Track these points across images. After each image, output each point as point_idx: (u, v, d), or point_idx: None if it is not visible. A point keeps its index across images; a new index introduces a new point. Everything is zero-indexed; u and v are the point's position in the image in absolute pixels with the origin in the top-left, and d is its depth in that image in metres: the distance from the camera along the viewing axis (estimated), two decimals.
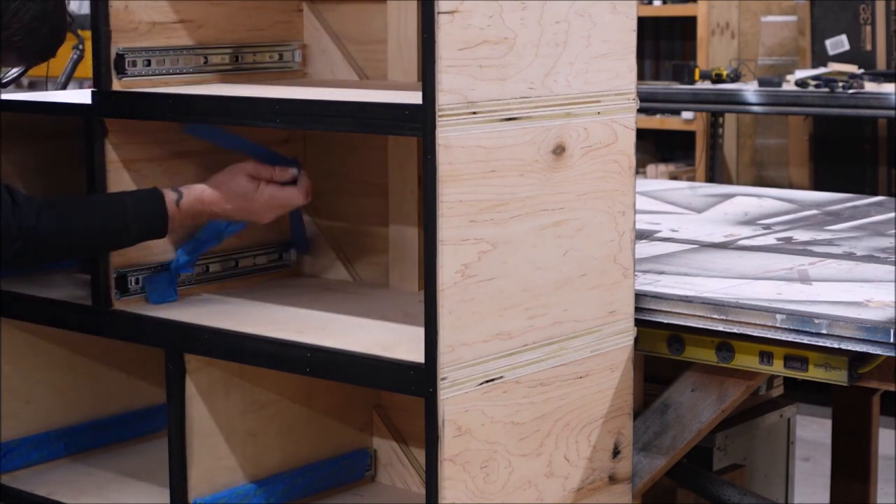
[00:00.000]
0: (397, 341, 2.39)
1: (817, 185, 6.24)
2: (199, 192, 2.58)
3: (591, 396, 2.48)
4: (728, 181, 6.60)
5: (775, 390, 3.48)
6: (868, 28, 6.19)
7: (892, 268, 2.78)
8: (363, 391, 2.88)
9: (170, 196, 2.55)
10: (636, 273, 2.58)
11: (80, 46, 4.65)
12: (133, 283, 2.70)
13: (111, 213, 2.51)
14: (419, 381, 2.22)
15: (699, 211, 3.57)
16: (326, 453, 2.84)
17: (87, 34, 2.70)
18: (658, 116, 6.80)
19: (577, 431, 2.46)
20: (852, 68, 5.97)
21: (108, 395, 3.08)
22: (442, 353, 2.20)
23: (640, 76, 5.05)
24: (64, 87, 4.88)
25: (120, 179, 2.67)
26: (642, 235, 3.15)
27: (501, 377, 2.31)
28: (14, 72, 2.79)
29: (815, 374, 2.42)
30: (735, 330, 2.46)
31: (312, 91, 2.56)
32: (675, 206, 3.64)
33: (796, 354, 2.42)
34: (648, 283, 2.65)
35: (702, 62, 6.61)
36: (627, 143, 2.50)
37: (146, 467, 2.93)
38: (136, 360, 3.09)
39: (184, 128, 2.69)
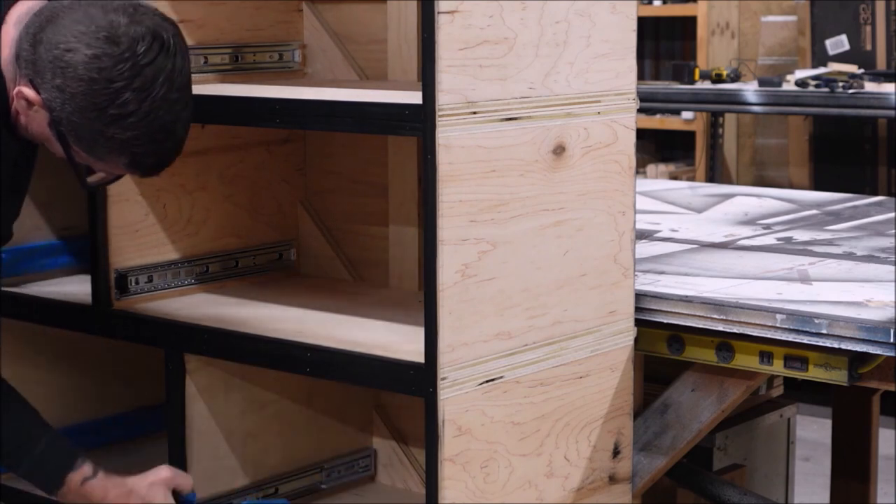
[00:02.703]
0: (397, 341, 2.39)
1: (817, 185, 6.24)
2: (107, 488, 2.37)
3: (591, 396, 2.48)
4: (728, 181, 6.60)
5: (775, 390, 3.48)
6: (868, 28, 6.19)
7: (892, 268, 2.78)
8: (363, 391, 2.88)
9: (82, 471, 2.36)
10: (636, 273, 2.58)
11: None
12: (133, 283, 2.70)
13: (20, 434, 2.34)
14: (419, 381, 2.22)
15: (699, 211, 3.57)
16: (326, 453, 2.84)
17: None
18: (658, 116, 6.80)
19: (577, 431, 2.46)
20: (852, 68, 5.97)
21: (108, 395, 3.08)
22: (442, 353, 2.20)
23: (640, 76, 5.05)
24: None
25: (120, 179, 2.67)
26: (642, 235, 3.15)
27: (501, 377, 2.30)
28: (103, 177, 2.29)
29: (815, 374, 2.42)
30: (735, 330, 2.45)
31: (312, 91, 2.56)
32: (675, 206, 3.64)
33: (796, 354, 2.42)
34: (648, 283, 2.65)
35: (702, 62, 6.61)
36: (627, 143, 2.50)
37: (146, 467, 2.93)
38: (136, 360, 3.09)
39: None
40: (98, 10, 2.09)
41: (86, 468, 2.37)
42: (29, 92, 2.12)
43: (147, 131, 2.10)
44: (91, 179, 2.26)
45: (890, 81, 5.59)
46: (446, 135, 2.17)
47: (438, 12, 2.13)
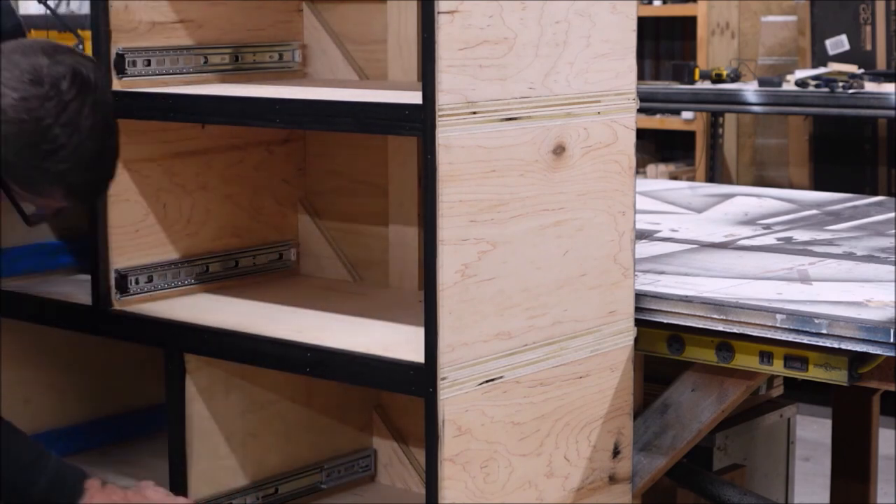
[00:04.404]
0: (397, 341, 2.39)
1: (817, 185, 6.25)
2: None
3: (591, 396, 2.48)
4: (728, 181, 6.60)
5: (775, 390, 3.48)
6: (868, 28, 6.19)
7: (892, 268, 2.78)
8: (363, 391, 2.88)
9: (94, 479, 2.45)
10: (636, 273, 2.58)
11: (80, 46, 4.65)
12: (133, 283, 2.70)
13: (28, 457, 2.39)
14: (419, 381, 2.22)
15: (699, 211, 3.57)
16: (326, 453, 2.84)
17: (87, 34, 2.71)
18: (658, 116, 6.80)
19: (577, 431, 2.46)
20: (852, 68, 5.97)
21: (108, 395, 3.08)
22: (442, 353, 2.20)
23: (640, 76, 5.05)
24: None
25: (120, 179, 2.67)
26: (642, 235, 3.15)
27: (501, 377, 2.30)
28: (40, 211, 2.41)
29: (815, 374, 2.42)
30: (735, 330, 2.46)
31: (312, 91, 2.56)
32: (675, 206, 3.64)
33: (796, 354, 2.42)
34: (648, 283, 2.65)
35: (702, 62, 6.61)
36: (627, 143, 2.50)
37: (146, 467, 2.93)
38: (136, 360, 3.09)
39: None
40: (19, 55, 2.22)
41: (94, 478, 2.46)
42: None
43: (79, 161, 2.22)
44: (33, 214, 2.38)
45: (890, 81, 5.59)
46: (446, 135, 2.17)
47: (438, 12, 2.13)
